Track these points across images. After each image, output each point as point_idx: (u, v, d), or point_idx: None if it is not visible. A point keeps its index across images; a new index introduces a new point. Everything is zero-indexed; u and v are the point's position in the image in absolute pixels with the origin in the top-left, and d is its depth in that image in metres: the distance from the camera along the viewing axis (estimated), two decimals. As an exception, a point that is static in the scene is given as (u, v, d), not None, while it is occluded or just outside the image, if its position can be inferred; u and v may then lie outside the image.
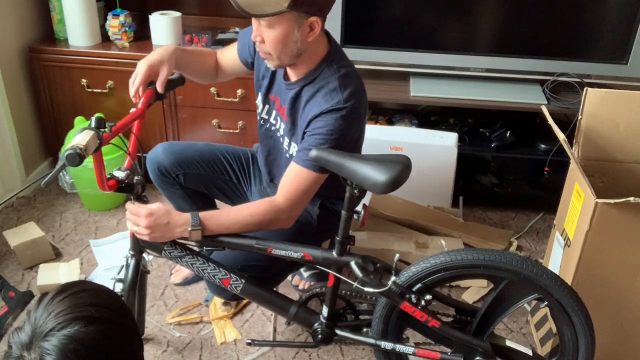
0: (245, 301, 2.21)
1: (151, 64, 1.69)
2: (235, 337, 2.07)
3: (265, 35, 1.59)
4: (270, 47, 1.61)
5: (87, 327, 0.92)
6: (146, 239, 1.61)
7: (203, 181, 2.03)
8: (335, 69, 1.67)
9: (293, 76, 1.74)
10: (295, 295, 2.13)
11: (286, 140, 1.82)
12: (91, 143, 1.39)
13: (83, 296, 0.97)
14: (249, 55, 1.87)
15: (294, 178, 1.67)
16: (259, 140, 1.98)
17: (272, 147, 1.92)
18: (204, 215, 1.62)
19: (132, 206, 1.60)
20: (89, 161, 1.45)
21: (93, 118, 1.45)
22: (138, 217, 1.58)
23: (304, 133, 1.68)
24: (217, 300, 2.18)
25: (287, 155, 1.83)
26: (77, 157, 1.34)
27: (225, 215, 1.66)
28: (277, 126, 1.86)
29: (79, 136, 1.40)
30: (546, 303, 1.57)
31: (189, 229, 1.59)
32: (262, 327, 2.13)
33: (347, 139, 1.66)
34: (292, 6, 1.50)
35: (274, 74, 1.81)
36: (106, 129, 1.46)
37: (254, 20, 1.60)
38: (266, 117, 1.89)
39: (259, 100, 1.90)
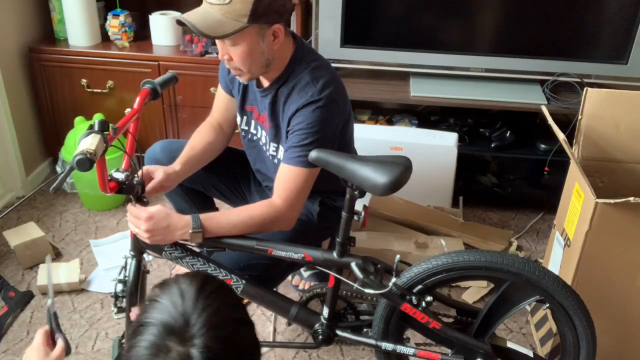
0: (244, 301, 2.20)
1: (149, 168, 1.74)
2: (235, 337, 2.07)
3: (231, 53, 1.61)
4: (238, 63, 1.63)
5: (237, 329, 0.94)
6: (147, 242, 1.60)
7: (200, 180, 2.03)
8: (305, 65, 1.69)
9: (265, 82, 1.75)
10: (295, 295, 2.14)
11: (272, 146, 1.82)
12: (99, 147, 1.39)
13: (227, 295, 0.99)
14: (229, 85, 1.88)
15: (286, 178, 1.68)
16: (245, 150, 1.99)
17: (257, 156, 1.93)
18: (205, 217, 1.61)
19: (133, 209, 1.60)
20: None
21: (96, 121, 1.44)
22: (138, 220, 1.58)
23: (287, 132, 1.69)
24: (217, 300, 2.17)
25: (275, 160, 1.83)
26: (88, 162, 1.34)
27: (226, 217, 1.66)
28: (259, 135, 1.88)
29: (86, 140, 1.39)
30: (548, 305, 1.57)
31: (190, 231, 1.58)
32: (262, 327, 2.13)
33: (330, 130, 1.67)
34: (252, 20, 1.52)
35: (245, 85, 1.82)
36: (109, 132, 1.45)
37: (218, 41, 1.61)
38: (246, 128, 1.91)
39: (237, 113, 1.92)
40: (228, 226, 1.63)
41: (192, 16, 1.55)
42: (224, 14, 1.52)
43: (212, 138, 1.92)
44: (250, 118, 1.88)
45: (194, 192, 2.07)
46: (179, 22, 1.56)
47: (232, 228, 1.63)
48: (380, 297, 1.62)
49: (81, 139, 1.41)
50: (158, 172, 1.73)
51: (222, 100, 1.94)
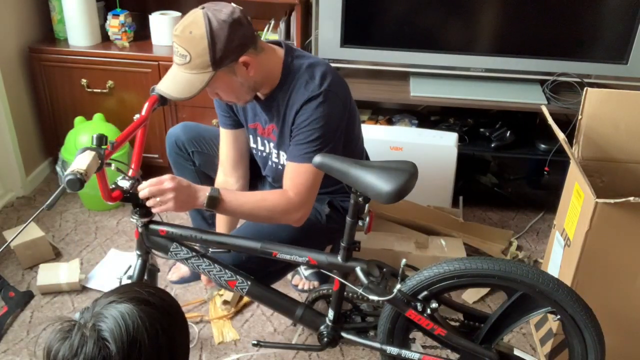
0: (245, 301, 2.20)
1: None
2: (233, 337, 2.07)
3: (217, 92, 1.68)
4: (225, 98, 1.71)
5: (140, 306, 1.01)
6: (171, 206, 1.57)
7: (214, 165, 2.04)
8: (299, 65, 1.71)
9: (264, 95, 1.76)
10: (295, 295, 2.13)
11: (274, 152, 1.84)
12: (92, 165, 1.38)
13: (144, 285, 1.12)
14: (231, 114, 1.90)
15: (295, 174, 1.69)
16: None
17: (269, 169, 1.95)
18: (222, 188, 1.68)
19: (151, 179, 1.58)
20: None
21: (94, 136, 1.44)
22: (161, 182, 1.56)
23: (291, 131, 1.70)
24: (217, 300, 2.17)
25: (280, 166, 1.84)
26: (78, 183, 1.34)
27: (241, 194, 1.77)
28: (267, 150, 1.89)
29: (79, 158, 1.39)
30: (559, 317, 1.54)
31: (208, 194, 1.61)
32: (262, 327, 2.12)
33: (335, 122, 1.69)
34: (216, 66, 1.57)
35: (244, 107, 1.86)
36: (107, 146, 1.45)
37: None
38: (254, 146, 1.93)
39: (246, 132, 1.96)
40: (242, 200, 1.68)
41: (165, 84, 1.62)
42: (191, 72, 1.57)
43: (237, 183, 1.97)
44: (255, 135, 1.90)
45: (205, 176, 2.10)
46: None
47: (244, 203, 1.68)
48: (384, 302, 1.60)
49: (76, 155, 1.41)
50: None
51: (227, 139, 1.94)
